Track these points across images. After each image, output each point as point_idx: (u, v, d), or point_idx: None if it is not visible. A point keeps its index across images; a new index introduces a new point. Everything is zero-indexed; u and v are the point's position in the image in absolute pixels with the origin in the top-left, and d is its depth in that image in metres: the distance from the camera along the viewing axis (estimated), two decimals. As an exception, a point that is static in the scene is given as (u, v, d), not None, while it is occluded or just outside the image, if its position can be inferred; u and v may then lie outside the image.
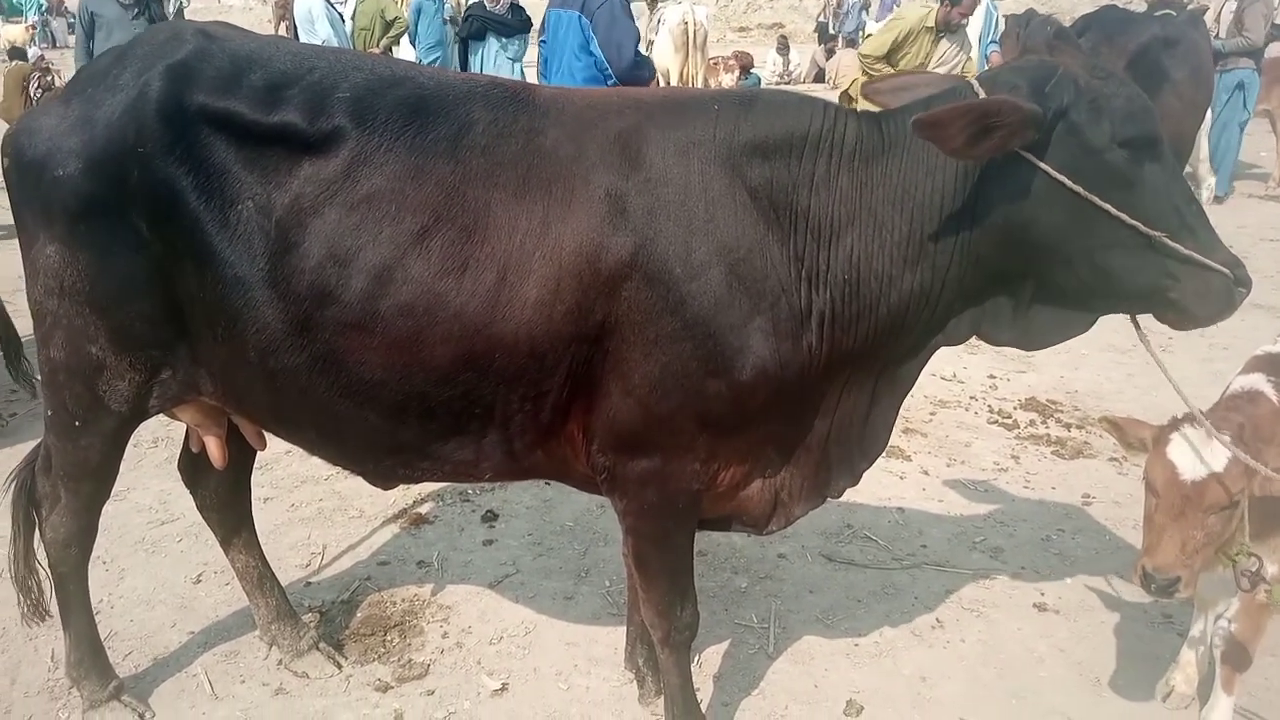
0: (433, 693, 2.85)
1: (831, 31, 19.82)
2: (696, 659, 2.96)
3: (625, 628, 2.96)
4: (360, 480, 2.55)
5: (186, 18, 7.59)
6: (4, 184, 2.25)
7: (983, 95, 2.03)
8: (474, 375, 2.11)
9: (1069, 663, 3.02)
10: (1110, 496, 4.03)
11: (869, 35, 10.42)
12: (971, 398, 5.11)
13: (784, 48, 19.21)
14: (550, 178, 2.08)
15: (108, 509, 2.65)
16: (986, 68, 6.72)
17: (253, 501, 2.98)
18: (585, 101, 2.23)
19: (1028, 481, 4.19)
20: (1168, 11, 8.42)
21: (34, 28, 20.33)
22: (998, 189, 2.05)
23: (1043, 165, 1.99)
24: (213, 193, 2.08)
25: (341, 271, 2.06)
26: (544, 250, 2.05)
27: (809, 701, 2.85)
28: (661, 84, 10.74)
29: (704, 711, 2.63)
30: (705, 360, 2.07)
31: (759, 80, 16.41)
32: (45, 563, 2.64)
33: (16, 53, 13.23)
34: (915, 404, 4.84)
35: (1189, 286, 2.05)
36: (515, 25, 6.96)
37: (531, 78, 6.52)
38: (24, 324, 3.08)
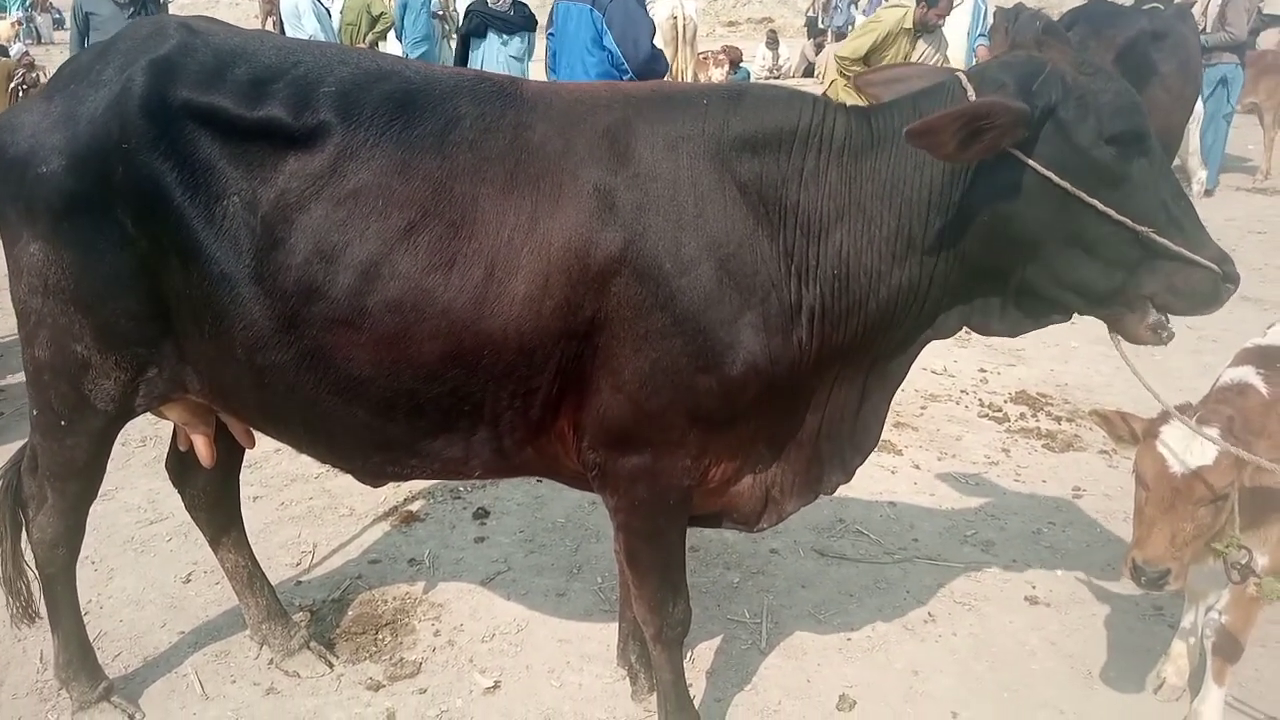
0: (425, 691, 2.84)
1: (821, 26, 19.78)
2: (689, 655, 2.96)
3: (617, 624, 2.95)
4: (350, 478, 2.54)
5: (172, 12, 7.51)
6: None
7: (971, 91, 2.03)
8: (462, 372, 2.10)
9: (1060, 655, 3.03)
10: (1101, 489, 4.04)
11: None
12: (962, 391, 5.12)
13: (773, 42, 19.19)
14: (538, 173, 2.07)
15: (96, 508, 2.63)
16: (974, 62, 6.75)
17: (242, 500, 2.96)
18: (573, 96, 2.21)
19: (1018, 475, 4.20)
20: (1155, 5, 8.43)
21: (19, 24, 20.15)
22: (986, 185, 2.05)
23: (1031, 162, 1.99)
24: (198, 189, 2.06)
25: (328, 267, 2.04)
26: (532, 246, 2.03)
27: (802, 696, 2.85)
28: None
29: (696, 707, 2.63)
30: (695, 356, 2.07)
31: (748, 75, 16.39)
32: (33, 564, 2.62)
33: (0, 49, 13.12)
34: (906, 398, 4.85)
35: (1176, 281, 2.05)
36: (517, 22, 6.72)
37: (539, 74, 6.47)
38: (8, 322, 3.05)
